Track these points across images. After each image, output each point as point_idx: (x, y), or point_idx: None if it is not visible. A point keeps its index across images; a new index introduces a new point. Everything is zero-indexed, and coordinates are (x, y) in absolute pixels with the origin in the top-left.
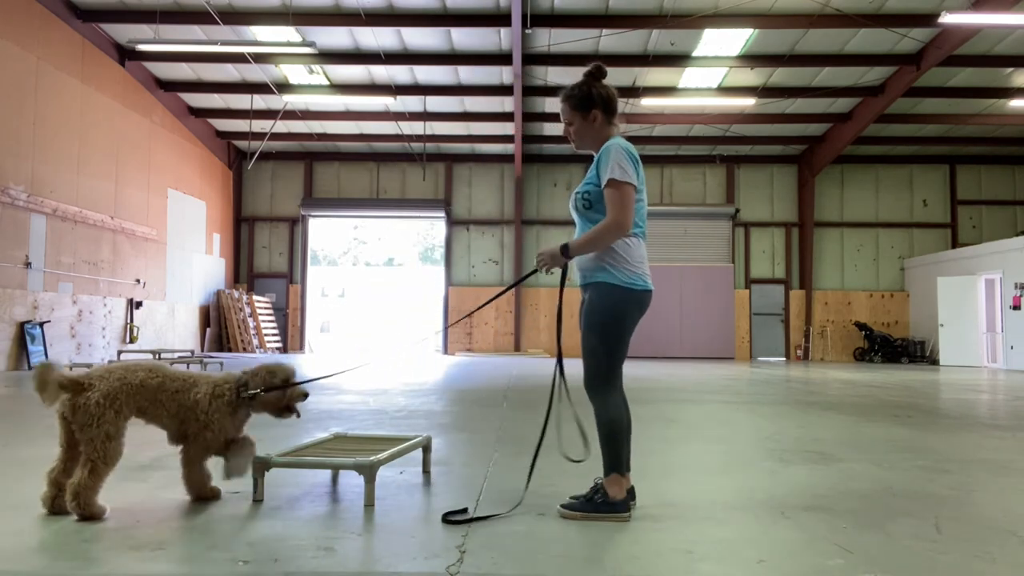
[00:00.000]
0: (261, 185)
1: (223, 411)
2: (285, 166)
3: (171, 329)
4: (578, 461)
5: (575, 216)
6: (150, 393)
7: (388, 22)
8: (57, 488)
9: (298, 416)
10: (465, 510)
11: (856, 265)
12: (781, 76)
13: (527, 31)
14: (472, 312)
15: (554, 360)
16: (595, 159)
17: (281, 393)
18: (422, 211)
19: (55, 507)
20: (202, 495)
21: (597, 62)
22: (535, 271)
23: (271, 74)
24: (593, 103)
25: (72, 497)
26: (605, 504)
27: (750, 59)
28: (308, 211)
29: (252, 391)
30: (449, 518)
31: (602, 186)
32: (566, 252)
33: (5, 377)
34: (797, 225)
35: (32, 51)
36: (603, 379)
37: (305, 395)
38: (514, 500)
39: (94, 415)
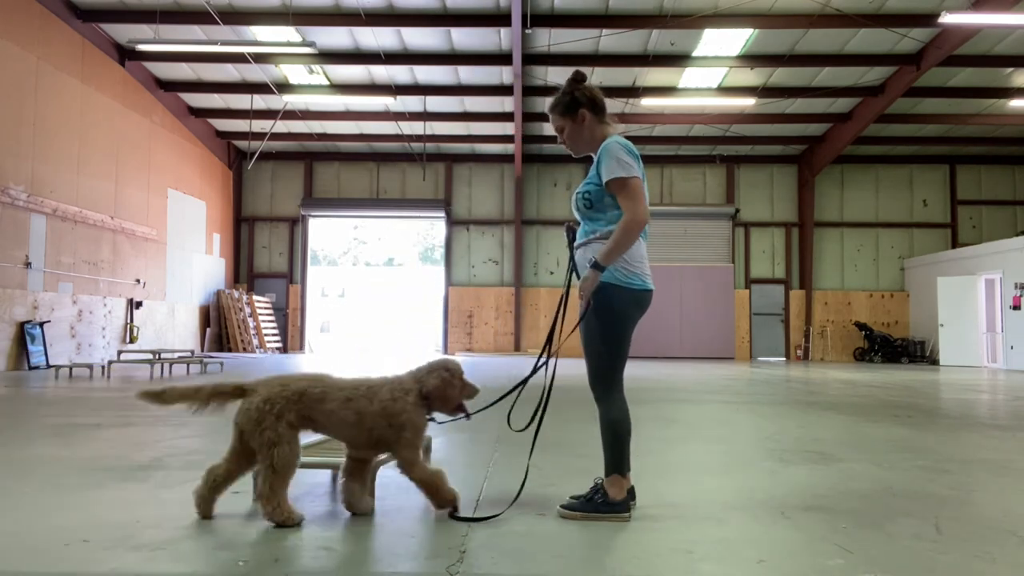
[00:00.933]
0: (261, 185)
1: (413, 410)
2: (285, 166)
3: (171, 329)
4: (519, 430)
5: (578, 216)
6: (313, 403)
7: (388, 22)
8: (211, 488)
9: (468, 417)
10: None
11: (856, 265)
12: (781, 76)
13: (527, 31)
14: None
15: (554, 360)
16: (595, 159)
17: (457, 391)
18: (422, 211)
19: (205, 510)
20: (444, 497)
21: (577, 68)
22: (585, 311)
23: (271, 74)
24: (579, 104)
25: (261, 505)
26: (605, 504)
27: (750, 59)
28: (308, 211)
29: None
30: (456, 516)
31: (604, 186)
32: (599, 267)
33: (5, 377)
34: (797, 225)
35: (32, 51)
36: (605, 379)
37: (477, 391)
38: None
39: (256, 420)
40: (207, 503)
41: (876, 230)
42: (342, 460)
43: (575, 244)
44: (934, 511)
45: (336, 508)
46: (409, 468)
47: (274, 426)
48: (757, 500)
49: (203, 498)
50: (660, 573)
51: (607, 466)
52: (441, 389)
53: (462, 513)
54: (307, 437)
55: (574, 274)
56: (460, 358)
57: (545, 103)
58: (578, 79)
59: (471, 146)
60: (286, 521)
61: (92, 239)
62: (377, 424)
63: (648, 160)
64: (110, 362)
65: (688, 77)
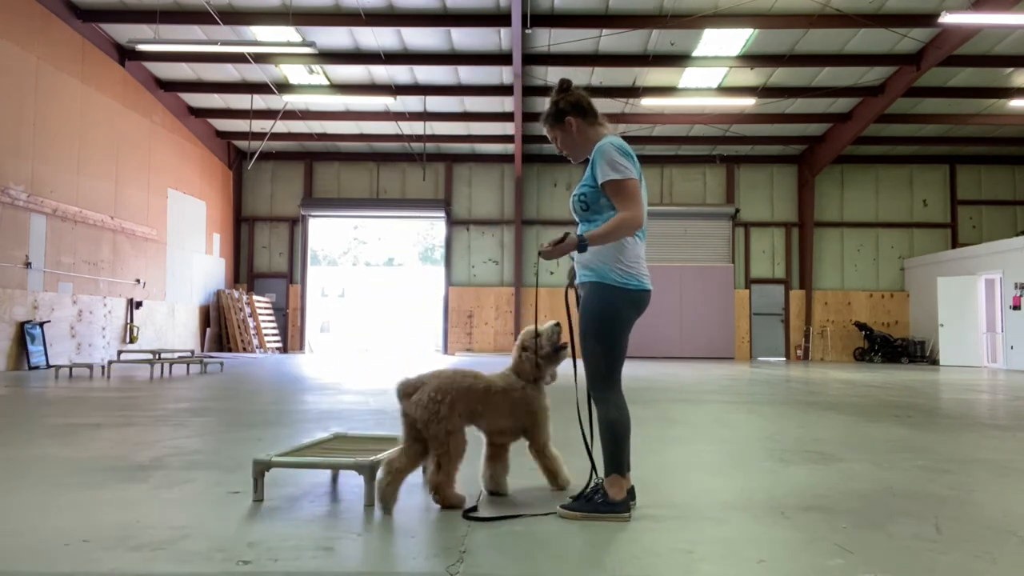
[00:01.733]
0: (261, 185)
1: (534, 394)
2: (285, 166)
3: (171, 329)
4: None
5: (576, 218)
6: (479, 396)
7: (388, 22)
8: (392, 479)
9: (565, 347)
10: (475, 508)
11: (856, 265)
12: (781, 76)
13: (527, 31)
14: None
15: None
16: (590, 160)
17: (537, 357)
18: (422, 211)
19: (385, 495)
20: (562, 479)
21: (562, 77)
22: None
23: (271, 74)
24: (565, 112)
25: (431, 491)
26: (605, 504)
27: (750, 59)
28: (308, 211)
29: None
30: (469, 515)
31: (599, 188)
32: (584, 245)
33: (5, 377)
34: (797, 225)
35: (32, 51)
36: (602, 380)
37: (556, 329)
38: (517, 500)
39: (430, 411)
40: (390, 496)
41: (876, 230)
42: (342, 460)
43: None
44: (934, 511)
45: (336, 508)
46: (542, 451)
47: (449, 416)
48: (757, 500)
49: (385, 491)
50: (660, 573)
51: (606, 466)
52: (530, 366)
53: (483, 513)
54: (307, 437)
55: (570, 289)
56: (460, 358)
57: (545, 103)
58: (562, 87)
59: (471, 146)
60: (455, 505)
61: (92, 239)
62: (521, 412)
63: (648, 160)
64: (110, 362)
65: (688, 77)
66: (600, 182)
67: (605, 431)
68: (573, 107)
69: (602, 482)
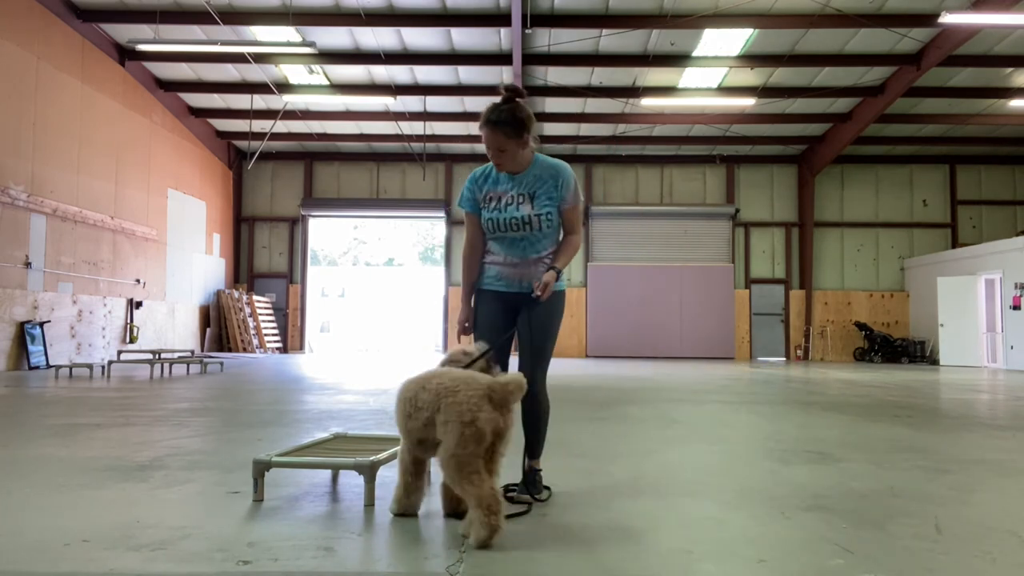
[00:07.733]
0: (261, 185)
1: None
2: (285, 166)
3: (171, 329)
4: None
5: (528, 232)
6: None
7: (388, 22)
8: None
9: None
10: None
11: (856, 265)
12: (781, 76)
13: (527, 31)
14: None
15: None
16: (546, 179)
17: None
18: (422, 211)
19: None
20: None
21: (513, 84)
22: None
23: (271, 74)
24: (525, 127)
25: None
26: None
27: (750, 59)
28: (308, 211)
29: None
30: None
31: (568, 207)
32: (559, 272)
33: (5, 377)
34: (797, 225)
35: (32, 51)
36: (544, 374)
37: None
38: (517, 500)
39: None
40: None
41: (876, 230)
42: (342, 460)
43: (519, 262)
44: (934, 511)
45: (336, 508)
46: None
47: None
48: (757, 500)
49: None
50: (660, 573)
51: (538, 451)
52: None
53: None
54: (307, 437)
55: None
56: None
57: (545, 103)
58: (520, 93)
59: (471, 146)
60: None
61: (92, 239)
62: None
63: (648, 160)
64: (110, 362)
65: (688, 77)
66: (569, 205)
67: (543, 420)
68: (530, 121)
69: (539, 468)
